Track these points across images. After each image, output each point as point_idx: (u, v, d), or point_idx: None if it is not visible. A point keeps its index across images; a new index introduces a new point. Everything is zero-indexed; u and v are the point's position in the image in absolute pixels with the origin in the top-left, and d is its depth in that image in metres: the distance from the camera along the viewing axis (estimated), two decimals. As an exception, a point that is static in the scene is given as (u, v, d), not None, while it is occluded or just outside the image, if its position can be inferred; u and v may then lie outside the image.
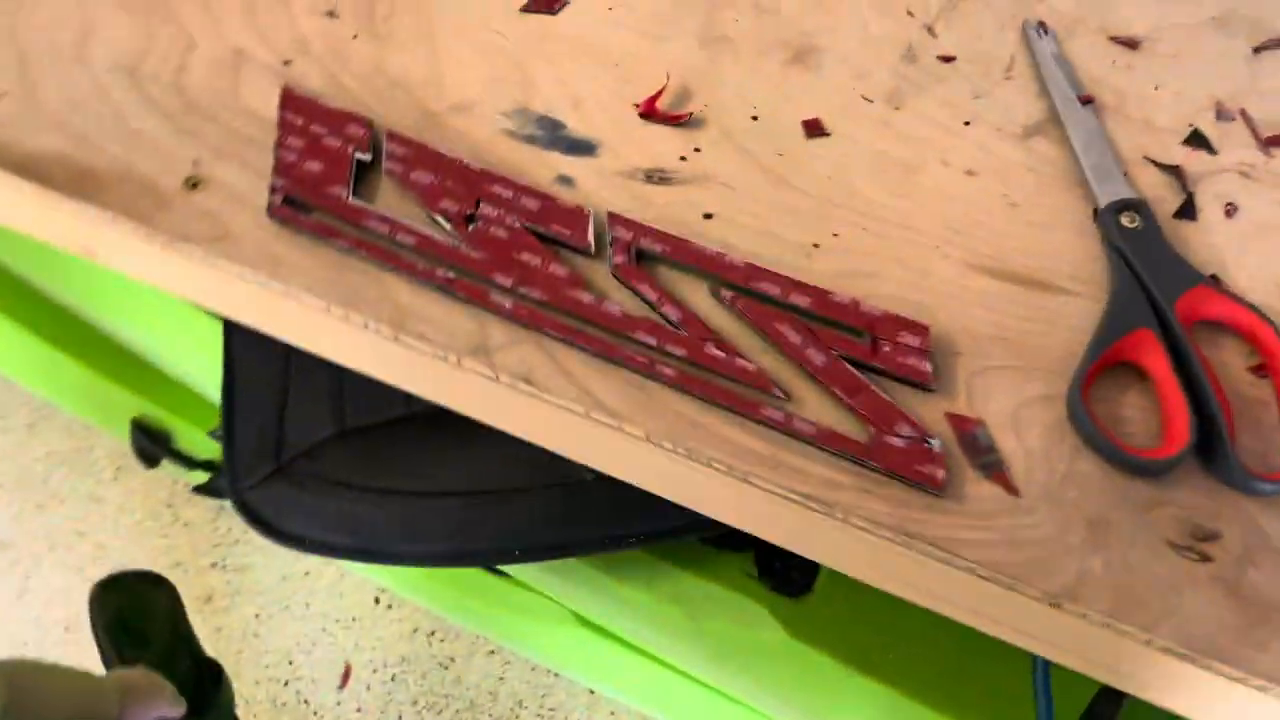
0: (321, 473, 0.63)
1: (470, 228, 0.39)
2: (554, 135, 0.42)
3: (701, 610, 0.70)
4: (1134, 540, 0.33)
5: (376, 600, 1.06)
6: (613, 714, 0.99)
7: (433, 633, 1.05)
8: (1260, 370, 0.37)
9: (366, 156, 0.41)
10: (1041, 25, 0.44)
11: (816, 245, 0.39)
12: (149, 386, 0.95)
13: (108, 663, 0.52)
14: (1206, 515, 0.33)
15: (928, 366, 0.36)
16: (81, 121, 0.43)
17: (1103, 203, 0.39)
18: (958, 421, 0.36)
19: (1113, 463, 0.34)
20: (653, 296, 0.38)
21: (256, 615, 1.06)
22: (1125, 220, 0.38)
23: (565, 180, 0.41)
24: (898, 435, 0.35)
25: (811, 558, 0.36)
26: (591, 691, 1.00)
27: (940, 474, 0.34)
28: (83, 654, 1.03)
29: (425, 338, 0.38)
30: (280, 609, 1.06)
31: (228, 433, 0.64)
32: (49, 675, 0.39)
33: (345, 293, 0.38)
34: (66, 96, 0.44)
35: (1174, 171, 0.40)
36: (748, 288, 0.38)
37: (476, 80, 0.44)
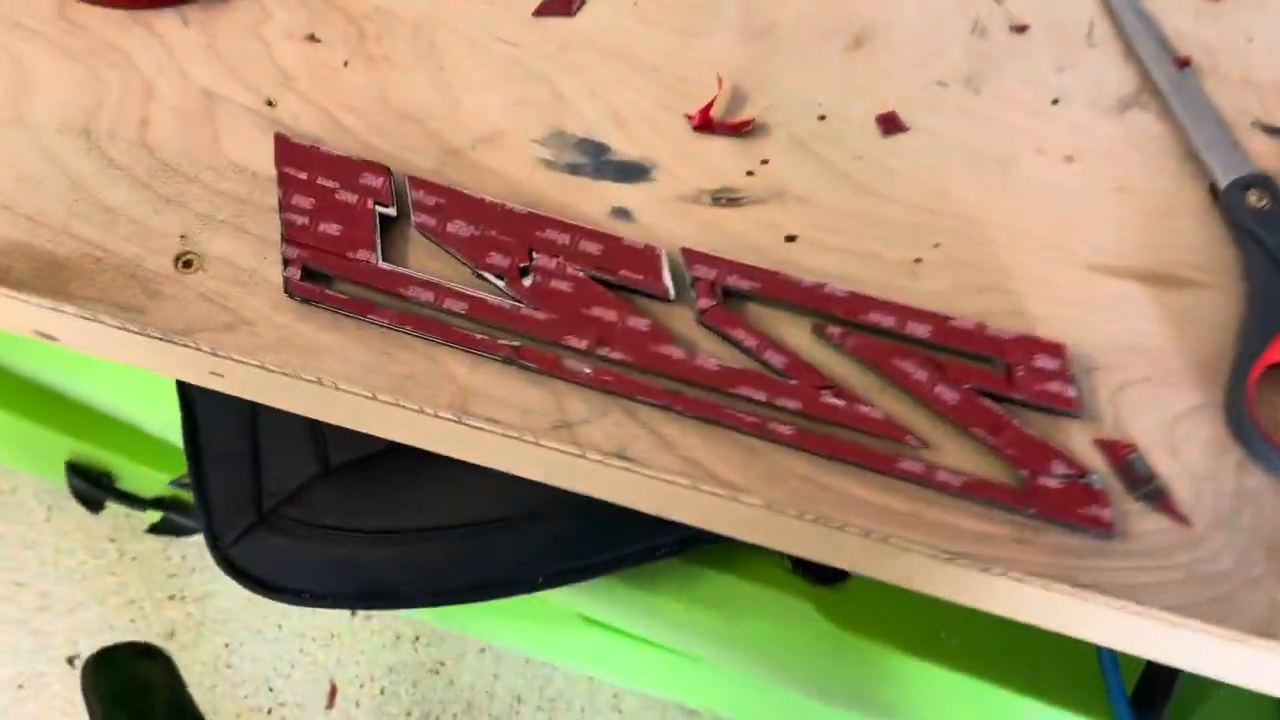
0: (309, 518, 0.58)
1: (527, 283, 0.34)
2: (599, 161, 0.37)
3: (739, 611, 0.67)
4: (1331, 566, 0.30)
5: (353, 612, 1.01)
6: (615, 696, 0.98)
7: (417, 639, 1.01)
8: None
9: (390, 210, 0.35)
10: (1110, -21, 0.40)
11: (918, 261, 0.35)
12: (82, 426, 0.89)
13: None
14: (1400, 527, 0.31)
15: (1072, 392, 0.32)
16: (35, 199, 0.37)
17: (1223, 180, 0.36)
18: (1109, 448, 0.32)
19: (1286, 477, 0.31)
20: (751, 343, 0.33)
21: (226, 645, 1.01)
22: (1253, 199, 0.35)
23: (622, 213, 0.36)
24: (1052, 475, 0.31)
25: (972, 606, 0.33)
26: (590, 678, 0.98)
27: (1107, 514, 0.31)
28: (41, 710, 0.97)
29: (495, 419, 0.33)
30: (251, 635, 1.02)
31: (198, 484, 0.59)
32: None
33: (392, 379, 0.33)
34: (11, 169, 0.37)
35: (1288, 135, 0.37)
36: (857, 321, 0.33)
37: (497, 104, 0.38)
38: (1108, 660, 0.54)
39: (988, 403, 0.32)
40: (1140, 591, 0.31)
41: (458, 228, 0.35)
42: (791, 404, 0.32)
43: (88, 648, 1.01)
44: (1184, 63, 0.38)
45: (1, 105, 0.39)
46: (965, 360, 0.33)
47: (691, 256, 0.34)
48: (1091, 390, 0.33)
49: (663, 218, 0.36)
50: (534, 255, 0.34)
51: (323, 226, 0.35)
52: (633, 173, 0.37)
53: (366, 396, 0.34)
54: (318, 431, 0.58)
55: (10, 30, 0.41)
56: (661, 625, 0.72)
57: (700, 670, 0.79)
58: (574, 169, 0.37)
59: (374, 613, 1.02)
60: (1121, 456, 0.32)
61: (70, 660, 0.99)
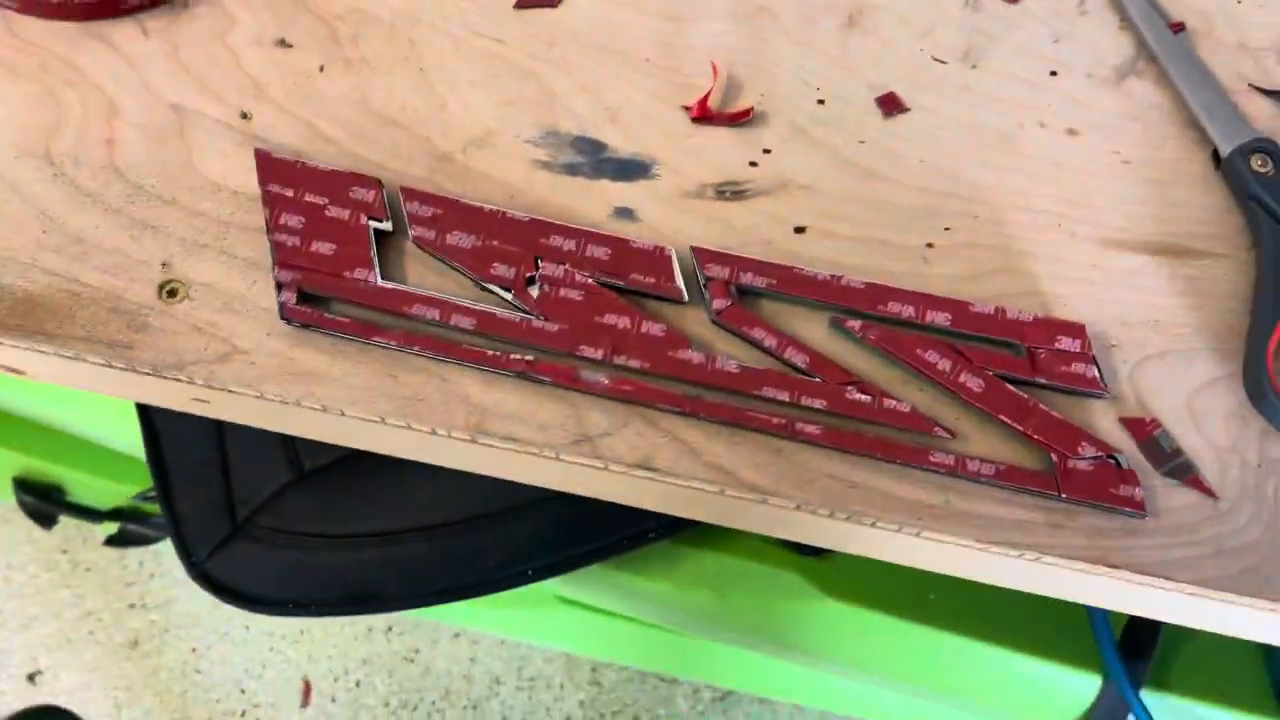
0: (286, 526, 0.57)
1: (535, 293, 0.33)
2: (598, 159, 0.36)
3: (729, 586, 0.67)
4: (1359, 531, 0.30)
5: (332, 614, 1.01)
6: (594, 670, 0.98)
7: (389, 628, 1.00)
8: None
9: (385, 225, 0.34)
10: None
11: (930, 245, 0.35)
12: (30, 441, 0.86)
13: None
14: None
15: (1095, 372, 0.32)
16: None
17: (1225, 148, 0.36)
18: (1134, 426, 0.32)
19: (1308, 444, 0.32)
20: (771, 342, 0.32)
21: (193, 650, 0.99)
22: (1257, 164, 0.35)
23: (625, 213, 0.35)
24: (1082, 458, 0.31)
25: (1006, 587, 0.33)
26: (568, 655, 0.98)
27: (1138, 493, 0.31)
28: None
29: (513, 438, 0.32)
30: (218, 638, 1.00)
31: (165, 498, 0.57)
32: None
33: (401, 402, 0.32)
34: (-31, 202, 0.35)
35: (1285, 98, 0.37)
36: (876, 313, 0.33)
37: (485, 104, 0.37)
38: (1097, 613, 0.55)
39: (1013, 389, 0.32)
40: (1172, 568, 0.31)
41: (458, 239, 0.33)
42: (817, 402, 0.32)
43: (48, 664, 0.98)
44: (1178, 28, 0.38)
45: (-48, 132, 0.36)
46: (987, 346, 0.33)
47: (703, 255, 0.33)
48: (1111, 369, 0.33)
49: (667, 215, 0.35)
50: (540, 264, 0.33)
51: (315, 246, 0.33)
52: (633, 170, 0.36)
53: (374, 421, 0.32)
54: (288, 436, 0.56)
55: (-48, 49, 0.38)
56: (651, 606, 0.72)
57: (679, 640, 0.80)
58: (571, 169, 0.36)
59: (349, 609, 1.01)
60: (1147, 433, 0.32)
61: (31, 677, 0.97)
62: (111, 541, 0.96)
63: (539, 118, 0.37)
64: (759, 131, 0.37)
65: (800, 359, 0.32)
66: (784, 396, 0.32)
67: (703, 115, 0.36)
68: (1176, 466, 0.32)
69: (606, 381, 0.32)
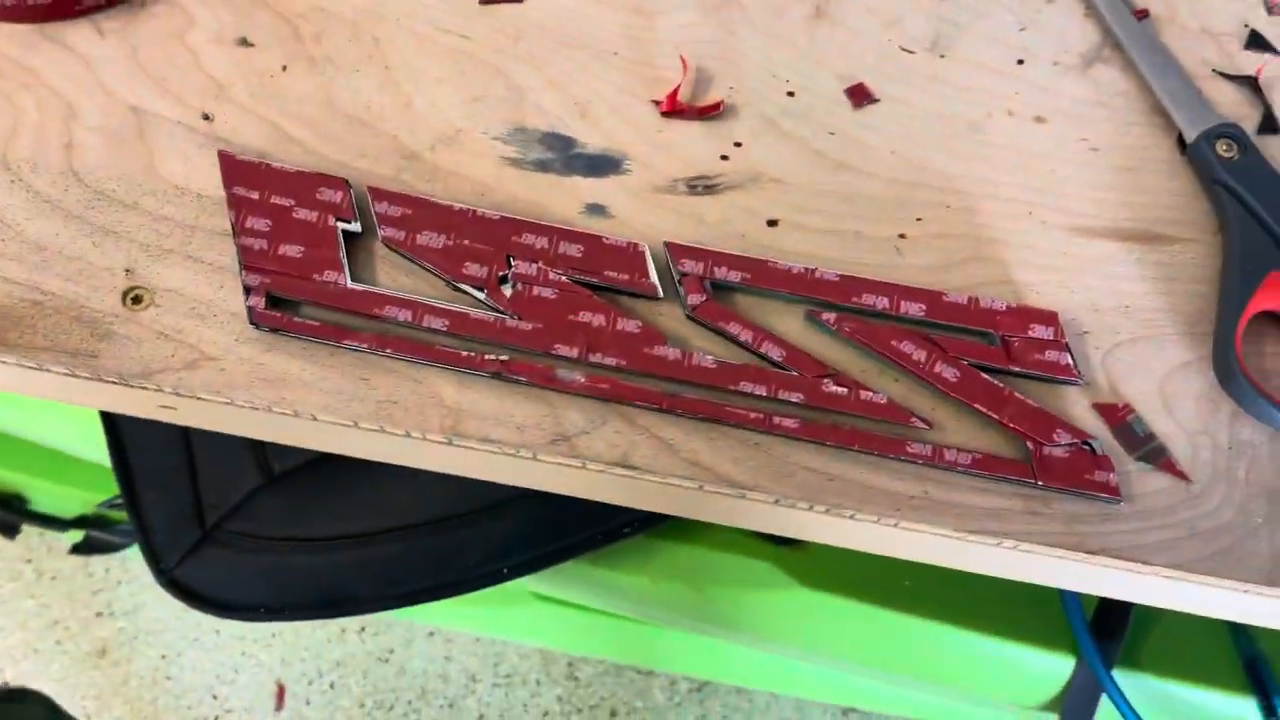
0: (257, 530, 0.56)
1: (508, 292, 0.32)
2: (567, 155, 0.35)
3: (704, 579, 0.67)
4: (1328, 510, 0.31)
5: (307, 618, 1.00)
6: (570, 665, 0.98)
7: (363, 629, 1.00)
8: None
9: (354, 226, 0.33)
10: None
11: (903, 236, 0.35)
12: None
13: None
14: (1387, 465, 0.32)
15: (1068, 359, 0.32)
16: (-44, 241, 0.33)
17: (1190, 133, 0.36)
18: (1107, 412, 0.32)
19: (1277, 425, 0.32)
20: (746, 337, 0.32)
21: (163, 657, 0.99)
22: (1222, 149, 0.35)
23: (596, 209, 0.35)
24: (1057, 445, 0.31)
25: (984, 573, 0.33)
26: (543, 651, 0.98)
27: (1113, 479, 0.31)
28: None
29: (489, 439, 0.31)
30: (188, 644, 0.99)
31: (133, 506, 0.56)
32: None
33: (374, 405, 0.31)
34: (-77, 210, 0.34)
35: (1248, 83, 0.37)
36: (851, 305, 0.33)
37: (453, 101, 0.36)
38: (1069, 595, 0.56)
39: (988, 378, 0.32)
40: (1148, 551, 0.31)
41: (428, 239, 0.33)
42: (794, 396, 0.32)
43: (15, 676, 0.97)
44: (1142, 15, 0.38)
45: (-98, 139, 0.35)
46: (961, 336, 0.33)
47: (676, 250, 0.33)
48: (1084, 355, 0.33)
49: (640, 210, 0.35)
50: (512, 262, 0.33)
51: (283, 249, 0.33)
52: (603, 165, 0.36)
53: (348, 426, 0.32)
54: (258, 440, 0.56)
55: (-100, 53, 0.37)
56: (627, 601, 0.72)
57: (655, 633, 0.80)
58: (542, 165, 0.35)
59: (319, 610, 1.00)
60: (1120, 419, 0.33)
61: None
62: (77, 549, 0.95)
63: (507, 114, 0.36)
64: (729, 125, 0.36)
65: (776, 353, 0.32)
66: (761, 391, 0.32)
67: (673, 109, 0.36)
68: (1150, 451, 0.32)
69: (583, 380, 0.32)
